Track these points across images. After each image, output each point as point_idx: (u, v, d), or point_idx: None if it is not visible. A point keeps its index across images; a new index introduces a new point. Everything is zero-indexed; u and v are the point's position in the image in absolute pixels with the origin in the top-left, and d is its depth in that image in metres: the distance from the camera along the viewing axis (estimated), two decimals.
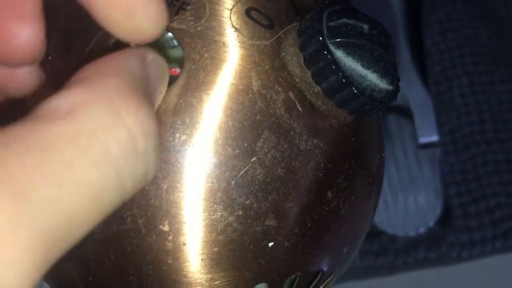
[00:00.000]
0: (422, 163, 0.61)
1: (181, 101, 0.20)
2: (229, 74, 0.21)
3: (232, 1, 0.21)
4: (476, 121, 0.64)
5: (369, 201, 0.25)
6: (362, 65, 0.20)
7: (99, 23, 0.17)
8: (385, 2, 0.61)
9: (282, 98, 0.21)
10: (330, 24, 0.20)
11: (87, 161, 0.13)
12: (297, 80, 0.21)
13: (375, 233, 0.60)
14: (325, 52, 0.20)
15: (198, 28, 0.21)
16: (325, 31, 0.20)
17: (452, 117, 0.65)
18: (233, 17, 0.21)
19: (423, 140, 0.61)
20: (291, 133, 0.21)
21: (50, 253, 0.12)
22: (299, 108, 0.21)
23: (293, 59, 0.21)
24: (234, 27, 0.21)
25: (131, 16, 0.17)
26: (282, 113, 0.21)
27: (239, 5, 0.21)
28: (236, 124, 0.20)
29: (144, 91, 0.15)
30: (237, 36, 0.21)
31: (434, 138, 0.61)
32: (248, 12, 0.21)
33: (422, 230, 0.60)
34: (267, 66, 0.21)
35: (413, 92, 0.61)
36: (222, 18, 0.21)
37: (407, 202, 0.60)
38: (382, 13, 0.61)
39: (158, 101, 0.17)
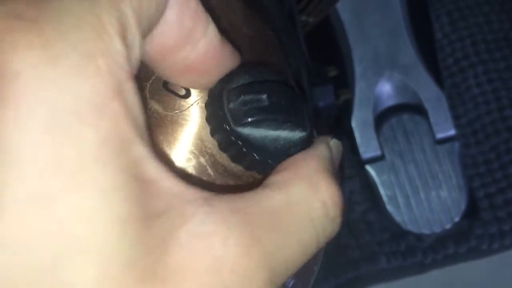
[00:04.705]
0: (441, 159, 0.60)
1: None
2: None
3: (152, 75, 0.22)
4: (495, 108, 0.63)
5: None
6: (272, 130, 0.21)
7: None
8: (387, 3, 0.61)
9: (192, 165, 0.22)
10: (231, 107, 0.20)
11: (298, 222, 0.17)
12: (209, 146, 0.22)
13: (400, 234, 0.60)
14: (234, 139, 0.20)
15: None
16: (229, 118, 0.20)
17: (470, 108, 0.64)
18: (151, 90, 0.22)
19: (440, 135, 0.60)
20: None
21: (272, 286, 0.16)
22: (211, 172, 0.22)
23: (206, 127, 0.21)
24: (150, 100, 0.22)
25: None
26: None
27: (158, 77, 0.22)
28: None
29: (332, 169, 0.20)
30: (152, 108, 0.22)
31: (451, 132, 0.60)
32: (165, 84, 0.22)
33: (448, 226, 0.59)
34: (179, 135, 0.22)
35: (424, 89, 0.60)
36: (142, 92, 0.21)
37: (430, 199, 0.60)
38: (384, 14, 0.61)
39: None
